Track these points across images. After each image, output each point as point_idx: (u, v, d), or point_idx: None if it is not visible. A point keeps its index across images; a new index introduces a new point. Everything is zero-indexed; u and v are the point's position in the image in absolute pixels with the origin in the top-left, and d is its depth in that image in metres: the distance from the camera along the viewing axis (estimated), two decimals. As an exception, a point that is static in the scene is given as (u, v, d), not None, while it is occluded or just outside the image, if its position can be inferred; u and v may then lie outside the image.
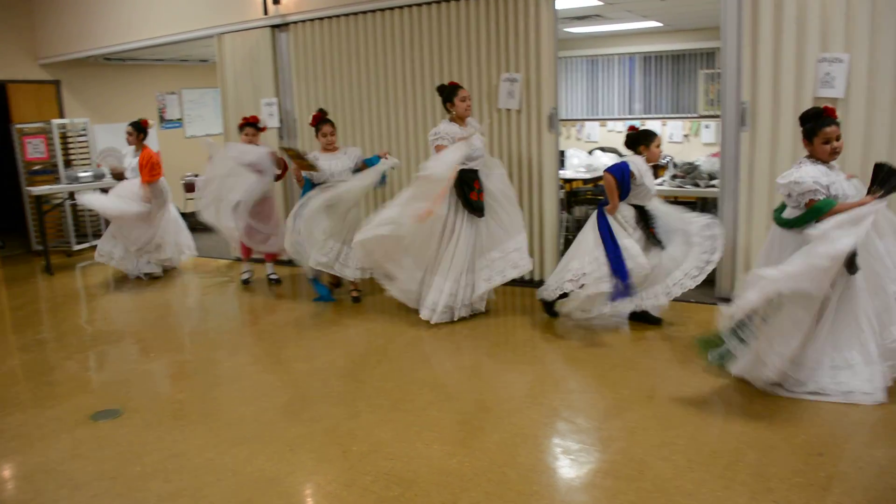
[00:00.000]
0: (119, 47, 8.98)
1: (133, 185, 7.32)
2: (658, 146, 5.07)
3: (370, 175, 5.88)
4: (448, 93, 5.44)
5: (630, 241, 4.95)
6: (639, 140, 5.06)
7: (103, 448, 3.69)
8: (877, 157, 4.85)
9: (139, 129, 7.32)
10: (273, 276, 7.12)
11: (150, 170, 7.16)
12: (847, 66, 4.85)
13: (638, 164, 5.00)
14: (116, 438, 3.80)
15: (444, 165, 5.20)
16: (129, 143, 7.38)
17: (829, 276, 3.63)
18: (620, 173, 4.96)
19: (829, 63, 4.91)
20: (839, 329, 3.82)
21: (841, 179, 3.87)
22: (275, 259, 7.16)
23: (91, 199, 7.50)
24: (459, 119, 5.45)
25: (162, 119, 11.22)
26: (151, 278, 7.57)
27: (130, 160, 7.37)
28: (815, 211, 3.75)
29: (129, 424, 3.97)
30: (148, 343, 5.56)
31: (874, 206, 3.67)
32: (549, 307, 5.47)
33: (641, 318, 5.26)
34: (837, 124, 3.85)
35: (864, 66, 4.83)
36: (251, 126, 6.73)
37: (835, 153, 3.86)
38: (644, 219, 5.07)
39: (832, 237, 3.56)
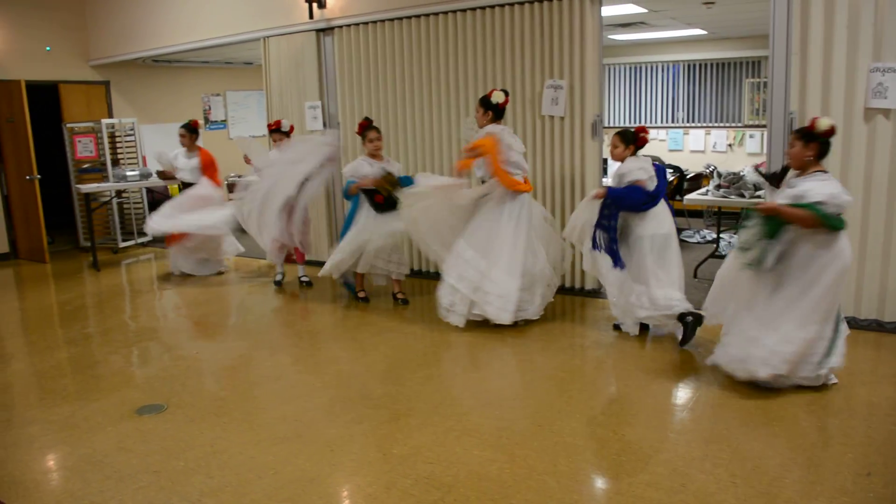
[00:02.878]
0: (166, 49, 9.15)
1: (199, 193, 7.37)
2: (614, 147, 5.13)
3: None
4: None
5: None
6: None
7: (148, 442, 3.76)
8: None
9: (191, 131, 7.45)
10: (304, 279, 7.17)
11: (216, 169, 7.41)
12: (901, 76, 4.76)
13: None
14: (160, 433, 3.87)
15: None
16: (183, 145, 7.47)
17: None
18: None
19: (881, 73, 4.82)
20: None
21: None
22: (305, 261, 7.23)
23: (170, 224, 7.31)
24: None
25: (206, 120, 11.40)
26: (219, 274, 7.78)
27: (184, 161, 7.45)
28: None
29: (172, 419, 4.04)
30: (191, 340, 5.65)
31: None
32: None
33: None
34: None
35: (919, 76, 4.74)
36: (277, 132, 6.86)
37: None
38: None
39: None
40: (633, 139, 5.08)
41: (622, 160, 5.09)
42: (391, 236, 6.04)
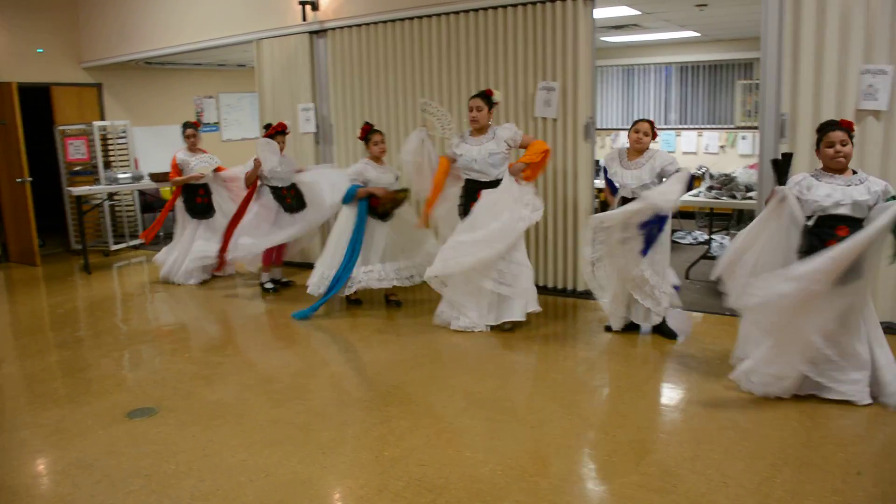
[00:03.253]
0: (159, 51, 9.15)
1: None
2: (636, 132, 4.99)
3: None
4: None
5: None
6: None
7: (139, 445, 3.75)
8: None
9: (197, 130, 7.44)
10: (285, 280, 7.20)
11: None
12: (891, 77, 4.78)
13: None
14: (152, 436, 3.85)
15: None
16: (194, 145, 7.40)
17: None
18: (602, 168, 5.09)
19: (872, 75, 4.84)
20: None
21: (846, 190, 3.85)
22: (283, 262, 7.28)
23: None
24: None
25: (199, 122, 11.38)
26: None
27: (197, 164, 7.35)
28: None
29: (164, 423, 4.02)
30: (183, 343, 5.63)
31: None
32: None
33: (659, 332, 5.23)
34: (846, 132, 3.86)
35: (909, 78, 4.76)
36: (281, 134, 6.75)
37: (836, 158, 3.85)
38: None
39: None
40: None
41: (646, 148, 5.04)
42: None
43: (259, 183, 6.72)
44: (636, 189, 4.94)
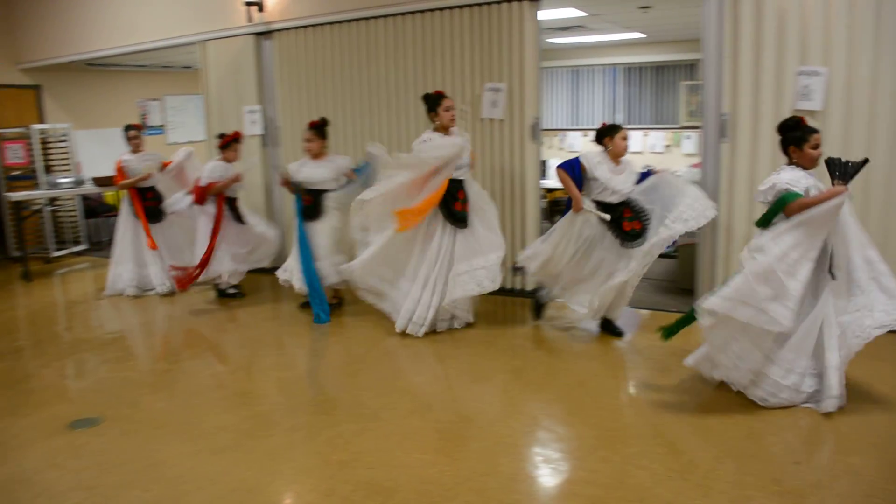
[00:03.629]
0: (101, 53, 8.94)
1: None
2: (624, 138, 4.99)
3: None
4: (432, 102, 5.36)
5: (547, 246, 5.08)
6: (604, 133, 5.03)
7: (81, 457, 3.66)
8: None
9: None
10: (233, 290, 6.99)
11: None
12: (825, 79, 4.92)
13: (589, 157, 5.00)
14: (95, 447, 3.77)
15: (439, 150, 5.20)
16: (138, 147, 7.18)
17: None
18: (570, 167, 4.99)
19: (807, 76, 4.98)
20: (809, 336, 3.87)
21: (818, 184, 3.93)
22: None
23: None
24: (443, 129, 5.37)
25: (143, 125, 11.17)
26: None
27: (139, 165, 7.11)
28: (781, 202, 3.82)
29: (107, 433, 3.94)
30: (127, 351, 5.52)
31: (841, 196, 3.73)
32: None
33: (606, 329, 5.32)
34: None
35: (842, 79, 4.91)
36: (236, 142, 6.55)
37: (819, 158, 3.96)
38: (618, 217, 5.00)
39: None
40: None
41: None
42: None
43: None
44: (626, 193, 5.00)
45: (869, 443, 3.50)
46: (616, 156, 5.02)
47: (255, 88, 7.57)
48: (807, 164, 3.95)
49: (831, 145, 4.97)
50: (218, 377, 4.82)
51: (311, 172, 5.95)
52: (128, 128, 7.22)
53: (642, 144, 10.79)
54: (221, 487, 3.29)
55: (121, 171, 7.10)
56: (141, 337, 5.97)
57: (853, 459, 3.33)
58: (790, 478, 3.20)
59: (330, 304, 6.12)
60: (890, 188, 4.92)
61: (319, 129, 6.00)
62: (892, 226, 4.95)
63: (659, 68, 10.74)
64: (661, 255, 6.82)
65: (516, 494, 3.16)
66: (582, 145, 11.15)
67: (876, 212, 4.96)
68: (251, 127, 7.61)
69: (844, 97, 4.92)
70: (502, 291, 6.37)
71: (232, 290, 6.87)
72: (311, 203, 5.94)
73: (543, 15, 6.23)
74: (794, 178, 3.86)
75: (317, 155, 6.00)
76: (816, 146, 3.93)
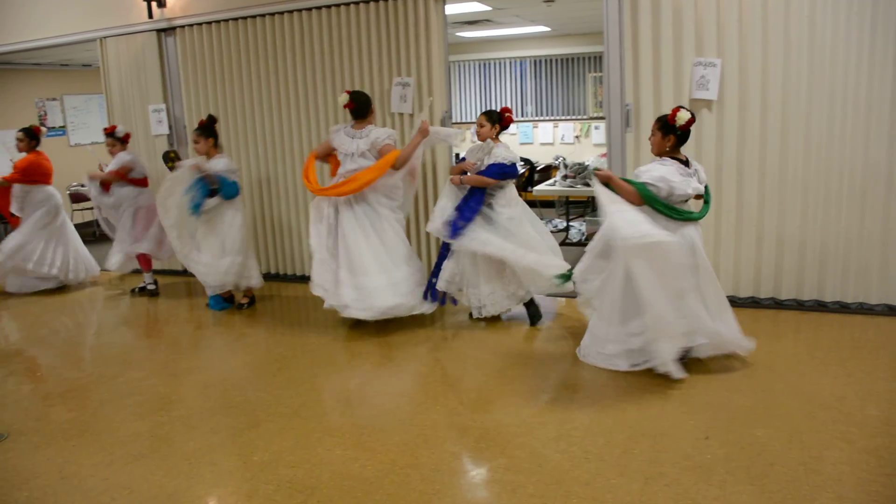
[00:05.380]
0: (-8, 50, 8.52)
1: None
2: (481, 126, 5.21)
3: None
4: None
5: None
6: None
7: (-13, 474, 3.53)
8: (750, 156, 5.20)
9: (31, 136, 7.07)
10: (151, 286, 7.03)
11: (24, 171, 7.00)
12: (719, 69, 5.15)
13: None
14: (1, 463, 3.63)
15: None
16: (20, 150, 7.08)
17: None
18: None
19: (703, 67, 5.20)
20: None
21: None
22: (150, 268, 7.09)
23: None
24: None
25: (42, 126, 10.71)
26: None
27: None
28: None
29: (14, 448, 3.79)
30: (35, 361, 5.32)
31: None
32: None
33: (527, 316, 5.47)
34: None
35: (735, 69, 5.14)
36: (110, 136, 6.64)
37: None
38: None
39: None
40: (498, 118, 5.21)
41: (488, 139, 5.19)
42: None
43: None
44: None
45: (772, 415, 3.70)
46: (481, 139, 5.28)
47: (160, 87, 7.36)
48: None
49: (727, 133, 5.22)
50: (132, 383, 4.69)
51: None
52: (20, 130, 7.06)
53: (552, 136, 11.01)
54: (139, 496, 3.23)
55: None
56: (48, 344, 5.72)
57: (758, 432, 3.51)
58: (700, 452, 3.35)
59: (241, 303, 6.19)
60: (784, 171, 5.18)
61: (204, 129, 5.97)
62: (786, 206, 5.22)
63: (567, 60, 10.98)
64: (576, 244, 7.04)
65: (437, 485, 3.21)
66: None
67: (770, 195, 5.23)
68: (157, 126, 7.41)
69: (737, 87, 5.16)
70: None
71: (152, 286, 6.94)
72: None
73: (450, 9, 6.28)
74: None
75: (206, 155, 5.98)
76: (653, 133, 4.29)
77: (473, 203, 5.11)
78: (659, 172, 4.13)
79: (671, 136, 4.20)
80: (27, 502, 3.24)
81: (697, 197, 4.29)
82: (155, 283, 7.06)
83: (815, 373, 4.22)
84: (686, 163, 4.26)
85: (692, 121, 4.15)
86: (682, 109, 4.15)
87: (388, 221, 5.34)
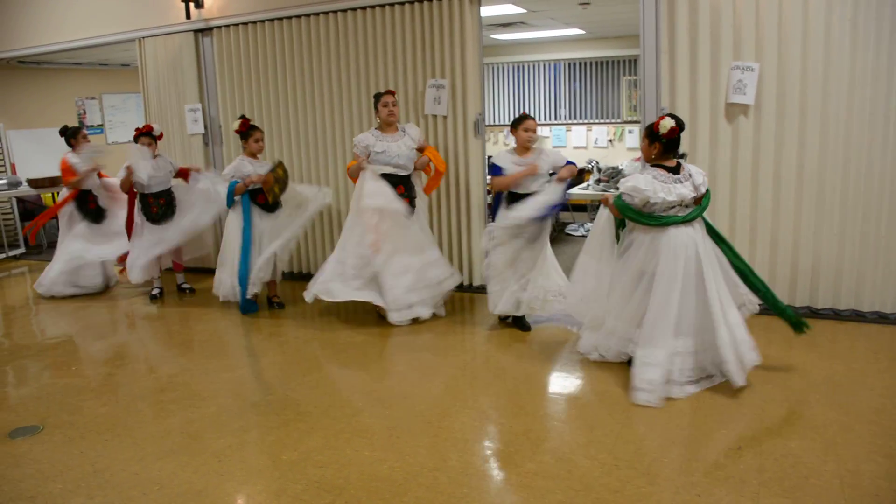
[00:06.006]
0: (33, 50, 8.67)
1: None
2: (526, 130, 5.04)
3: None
4: (513, 123, 5.18)
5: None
6: (512, 125, 5.14)
7: (21, 466, 3.58)
8: (787, 162, 5.11)
9: (152, 137, 6.67)
10: (185, 286, 7.06)
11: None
12: (757, 73, 5.07)
13: (499, 156, 5.15)
14: (36, 456, 3.68)
15: (382, 197, 5.34)
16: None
17: None
18: (495, 171, 5.11)
19: (741, 71, 5.12)
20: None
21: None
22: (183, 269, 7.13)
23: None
24: (522, 149, 5.13)
25: (82, 125, 10.89)
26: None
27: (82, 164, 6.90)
28: None
29: (49, 441, 3.85)
30: (69, 357, 5.40)
31: None
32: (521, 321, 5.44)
33: (518, 324, 5.43)
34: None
35: (774, 74, 5.05)
36: (146, 136, 6.45)
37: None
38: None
39: None
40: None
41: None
42: (289, 240, 6.09)
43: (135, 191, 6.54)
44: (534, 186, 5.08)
45: (806, 426, 3.63)
46: (521, 147, 5.09)
47: (196, 86, 7.45)
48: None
49: (764, 139, 5.14)
50: (163, 380, 4.74)
51: (255, 171, 5.97)
52: (69, 130, 7.01)
53: (586, 139, 10.94)
54: (168, 491, 3.25)
55: (69, 169, 6.89)
56: (83, 341, 5.83)
57: (793, 444, 3.44)
58: (733, 463, 3.29)
59: (273, 302, 6.28)
60: (822, 179, 5.09)
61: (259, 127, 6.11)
62: (824, 215, 5.13)
63: (601, 64, 10.90)
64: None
65: (466, 488, 3.19)
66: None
67: (808, 203, 5.13)
68: (193, 126, 7.49)
69: (775, 92, 5.08)
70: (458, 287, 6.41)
71: (155, 292, 6.90)
72: (264, 202, 6.04)
73: (485, 11, 6.27)
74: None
75: (255, 155, 6.09)
76: (642, 141, 4.27)
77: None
78: (632, 182, 4.10)
79: (657, 143, 4.13)
80: (61, 494, 3.28)
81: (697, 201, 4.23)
82: (181, 285, 7.09)
83: (851, 384, 4.13)
84: (676, 169, 4.17)
85: (676, 129, 4.06)
86: (666, 117, 4.09)
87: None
